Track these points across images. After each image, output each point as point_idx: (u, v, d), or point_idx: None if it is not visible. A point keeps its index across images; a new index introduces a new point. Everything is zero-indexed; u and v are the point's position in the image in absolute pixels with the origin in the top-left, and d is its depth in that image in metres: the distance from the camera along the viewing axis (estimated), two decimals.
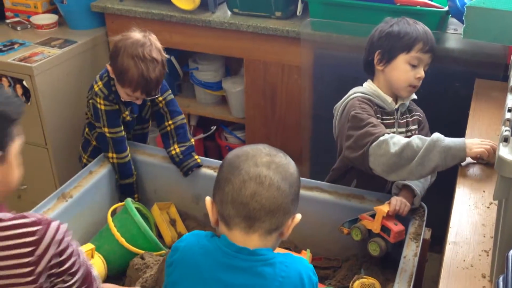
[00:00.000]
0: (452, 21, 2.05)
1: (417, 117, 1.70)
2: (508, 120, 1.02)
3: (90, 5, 2.44)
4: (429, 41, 1.58)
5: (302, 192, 1.66)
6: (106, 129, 1.81)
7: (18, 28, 2.52)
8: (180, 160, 1.85)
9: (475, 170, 1.45)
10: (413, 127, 1.68)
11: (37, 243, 0.99)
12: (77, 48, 2.39)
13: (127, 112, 1.85)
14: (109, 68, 1.76)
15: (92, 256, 1.63)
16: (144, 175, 1.93)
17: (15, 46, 2.37)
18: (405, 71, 1.59)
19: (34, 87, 2.23)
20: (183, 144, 1.87)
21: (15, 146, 1.04)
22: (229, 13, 2.28)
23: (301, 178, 1.67)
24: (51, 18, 2.55)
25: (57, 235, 1.01)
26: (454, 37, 1.99)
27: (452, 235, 1.24)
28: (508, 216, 0.97)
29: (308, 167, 2.35)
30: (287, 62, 2.22)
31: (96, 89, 1.80)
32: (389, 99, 1.63)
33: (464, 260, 1.17)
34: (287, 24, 2.17)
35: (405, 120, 1.67)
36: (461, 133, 1.53)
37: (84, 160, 1.99)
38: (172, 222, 1.90)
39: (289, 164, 1.07)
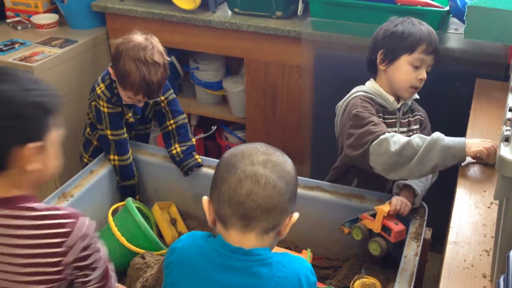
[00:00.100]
0: (453, 20, 2.04)
1: (419, 117, 1.70)
2: (509, 119, 1.02)
3: (90, 5, 2.44)
4: (432, 42, 1.57)
5: (303, 191, 1.68)
6: (108, 132, 1.81)
7: (19, 27, 2.52)
8: (180, 160, 1.85)
9: (475, 170, 1.45)
10: (415, 127, 1.68)
11: (67, 235, 1.03)
12: (78, 48, 2.39)
13: (130, 114, 1.85)
14: (110, 70, 1.75)
15: None
16: (145, 174, 1.93)
17: (16, 46, 2.37)
18: (407, 72, 1.59)
19: None
20: (184, 144, 1.87)
21: (53, 136, 1.08)
22: (229, 12, 2.28)
23: (301, 178, 1.70)
24: (52, 17, 2.56)
25: (85, 230, 1.06)
26: (455, 37, 1.99)
27: (452, 235, 1.24)
28: (508, 216, 0.97)
29: (309, 167, 2.35)
30: (288, 62, 2.22)
31: (99, 91, 1.79)
32: (391, 99, 1.63)
33: (464, 260, 1.17)
34: (287, 23, 2.17)
35: (407, 120, 1.67)
36: (462, 133, 1.53)
37: (85, 160, 1.99)
38: (173, 222, 1.90)
39: (286, 163, 1.07)
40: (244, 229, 1.02)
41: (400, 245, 1.48)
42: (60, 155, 1.12)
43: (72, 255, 1.05)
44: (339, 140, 1.69)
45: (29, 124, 1.04)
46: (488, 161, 1.45)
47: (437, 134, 1.40)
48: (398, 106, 1.65)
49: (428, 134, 1.62)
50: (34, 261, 1.02)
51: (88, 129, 1.97)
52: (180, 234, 1.87)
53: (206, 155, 2.23)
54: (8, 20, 2.59)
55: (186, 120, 1.94)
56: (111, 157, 1.83)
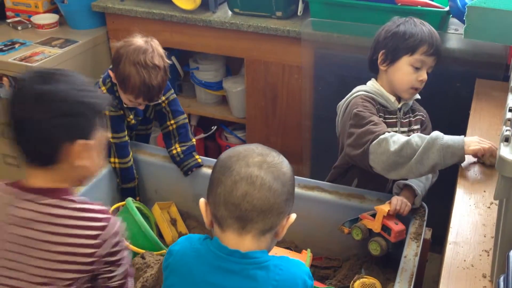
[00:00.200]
0: (453, 21, 2.05)
1: (420, 117, 1.70)
2: (509, 120, 1.02)
3: (90, 5, 2.44)
4: (434, 43, 1.57)
5: (303, 191, 1.68)
6: (109, 134, 1.81)
7: (19, 27, 2.52)
8: (180, 160, 1.85)
9: (475, 170, 1.45)
10: (415, 127, 1.68)
11: (102, 229, 1.10)
12: (78, 48, 2.40)
13: (131, 116, 1.85)
14: (111, 74, 1.75)
15: None
16: (145, 174, 1.93)
17: (16, 46, 2.37)
18: (407, 73, 1.59)
19: None
20: (184, 144, 1.87)
21: (99, 136, 1.15)
22: (229, 13, 2.28)
23: (301, 178, 1.71)
24: (52, 17, 2.56)
25: (117, 228, 1.13)
26: (455, 37, 1.99)
27: (452, 235, 1.24)
28: (508, 216, 0.97)
29: (309, 167, 2.35)
30: (288, 62, 2.22)
31: None
32: (392, 98, 1.63)
33: (464, 260, 1.17)
34: (287, 24, 2.17)
35: (407, 120, 1.67)
36: (461, 133, 1.52)
37: None
38: (173, 222, 1.90)
39: (282, 163, 1.06)
40: (241, 231, 1.02)
41: (400, 245, 1.48)
42: (103, 155, 1.19)
43: (104, 249, 1.10)
44: (340, 139, 1.70)
45: (81, 122, 1.10)
46: (485, 161, 1.45)
47: (436, 133, 1.40)
48: (399, 106, 1.65)
49: (429, 134, 1.62)
50: (71, 250, 1.07)
51: None
52: (180, 234, 1.87)
53: (206, 155, 2.23)
54: (8, 20, 2.59)
55: (187, 120, 1.94)
56: (112, 159, 1.83)
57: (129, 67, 1.67)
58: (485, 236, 1.23)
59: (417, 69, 1.58)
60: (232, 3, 2.24)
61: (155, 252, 1.67)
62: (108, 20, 2.48)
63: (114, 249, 1.12)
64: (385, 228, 1.49)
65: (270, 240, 1.06)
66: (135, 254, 1.66)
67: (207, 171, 1.83)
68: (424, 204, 1.57)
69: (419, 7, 1.92)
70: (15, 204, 1.10)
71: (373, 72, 1.69)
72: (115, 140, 1.81)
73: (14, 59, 2.25)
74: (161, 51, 1.74)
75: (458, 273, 1.14)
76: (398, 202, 1.49)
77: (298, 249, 1.72)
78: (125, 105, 1.79)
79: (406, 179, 1.56)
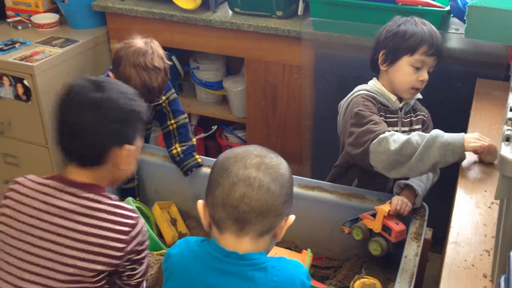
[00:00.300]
0: (454, 20, 2.04)
1: (422, 117, 1.70)
2: (510, 119, 1.02)
3: (91, 5, 2.44)
4: (434, 43, 1.57)
5: (303, 191, 1.68)
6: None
7: (19, 27, 2.52)
8: (180, 160, 1.85)
9: (476, 170, 1.45)
10: (417, 127, 1.68)
11: (132, 226, 1.16)
12: (78, 48, 2.39)
13: None
14: (111, 75, 1.75)
15: None
16: (145, 174, 1.93)
17: (16, 45, 2.37)
18: (408, 73, 1.58)
19: (35, 86, 2.23)
20: (185, 144, 1.87)
21: (138, 142, 1.24)
22: (230, 12, 2.28)
23: (301, 178, 1.70)
24: (52, 17, 2.56)
25: (143, 228, 1.19)
26: (456, 36, 1.99)
27: (453, 235, 1.24)
28: (509, 215, 0.96)
29: (309, 167, 2.35)
30: (288, 61, 2.22)
31: None
32: (393, 98, 1.63)
33: (465, 260, 1.16)
34: (288, 23, 2.17)
35: (409, 119, 1.67)
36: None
37: None
38: (173, 222, 1.90)
39: (280, 165, 1.06)
40: (239, 233, 1.02)
41: (400, 245, 1.48)
42: (137, 160, 1.28)
43: (133, 246, 1.16)
44: (341, 138, 1.69)
45: (129, 129, 1.20)
46: (483, 159, 1.45)
47: (436, 131, 1.40)
48: (400, 105, 1.65)
49: None
50: (103, 242, 1.13)
51: None
52: (180, 234, 1.87)
53: (207, 155, 2.23)
54: (9, 20, 2.59)
55: (187, 120, 1.94)
56: None
57: (129, 69, 1.66)
58: (485, 236, 1.22)
59: (417, 69, 1.58)
60: (233, 2, 2.23)
61: (155, 252, 1.66)
62: (108, 20, 2.47)
63: (140, 248, 1.18)
64: (385, 228, 1.49)
65: (268, 242, 1.06)
66: None
67: (207, 171, 1.82)
68: (425, 204, 1.56)
69: (419, 6, 1.92)
70: (56, 195, 1.16)
71: (375, 72, 1.69)
72: None
73: (14, 59, 2.25)
74: (161, 52, 1.74)
75: (458, 273, 1.13)
76: (399, 202, 1.49)
77: (298, 249, 1.72)
78: None
79: (407, 179, 1.55)
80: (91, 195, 1.17)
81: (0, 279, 1.15)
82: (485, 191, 1.36)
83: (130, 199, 1.75)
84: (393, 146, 1.41)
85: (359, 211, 1.57)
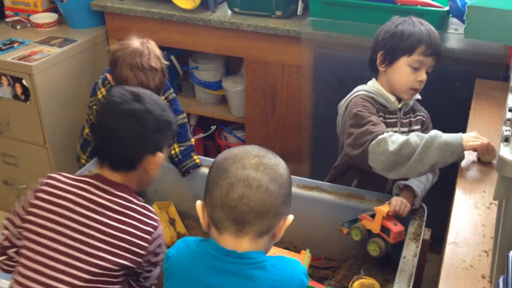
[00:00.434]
0: (453, 20, 2.04)
1: (421, 117, 1.70)
2: (508, 120, 1.02)
3: (90, 4, 2.44)
4: (432, 43, 1.56)
5: (302, 192, 1.68)
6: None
7: (18, 26, 2.52)
8: (179, 160, 1.84)
9: (475, 170, 1.45)
10: (416, 127, 1.67)
11: (155, 228, 1.23)
12: (77, 47, 2.39)
13: None
14: (109, 77, 1.75)
15: None
16: None
17: (15, 45, 2.37)
18: (406, 74, 1.58)
19: (33, 86, 2.22)
20: (183, 144, 1.87)
21: (165, 150, 1.33)
22: (229, 12, 2.27)
23: (300, 178, 1.70)
24: (51, 17, 2.55)
25: (162, 232, 1.26)
26: (455, 37, 1.99)
27: (452, 235, 1.24)
28: (508, 216, 0.96)
29: (308, 167, 2.35)
30: (288, 61, 2.22)
31: (100, 96, 1.79)
32: (392, 98, 1.63)
33: (464, 261, 1.16)
34: (287, 23, 2.17)
35: (408, 120, 1.67)
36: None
37: (83, 161, 1.98)
38: (172, 222, 1.89)
39: (279, 165, 1.06)
40: (238, 233, 1.02)
41: (399, 246, 1.48)
42: (160, 168, 1.35)
43: (153, 247, 1.22)
44: (340, 139, 1.69)
45: (162, 138, 1.29)
46: (481, 158, 1.45)
47: (434, 132, 1.40)
48: (399, 106, 1.65)
49: None
50: (129, 238, 1.19)
51: (87, 130, 1.96)
52: (179, 234, 1.87)
53: (206, 155, 2.23)
54: (7, 19, 2.58)
55: (186, 120, 1.94)
56: None
57: (126, 70, 1.66)
58: (484, 237, 1.22)
59: (415, 69, 1.58)
60: (232, 2, 2.23)
61: None
62: (107, 19, 2.47)
63: (159, 250, 1.24)
64: (384, 229, 1.49)
65: (267, 242, 1.06)
66: None
67: (206, 171, 1.82)
68: (424, 205, 1.56)
69: (419, 6, 1.92)
70: (91, 190, 1.23)
71: (374, 72, 1.69)
72: None
73: (13, 58, 2.24)
74: (158, 52, 1.73)
75: (457, 274, 1.13)
76: (398, 203, 1.49)
77: (297, 250, 1.72)
78: None
79: (406, 179, 1.55)
80: (123, 194, 1.24)
81: (29, 268, 1.19)
82: (484, 192, 1.36)
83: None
84: (392, 147, 1.41)
85: (358, 211, 1.57)
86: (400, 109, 1.65)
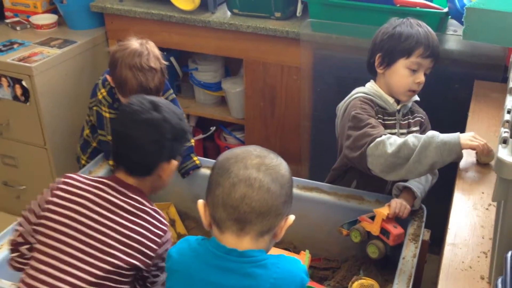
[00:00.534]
0: (452, 22, 2.05)
1: (419, 118, 1.70)
2: (507, 121, 1.02)
3: (89, 5, 2.44)
4: (430, 45, 1.57)
5: (301, 192, 1.68)
6: (109, 137, 1.81)
7: (18, 28, 2.52)
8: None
9: (474, 172, 1.45)
10: (414, 129, 1.68)
11: (165, 233, 1.28)
12: (77, 48, 2.39)
13: None
14: (109, 78, 1.75)
15: None
16: None
17: (15, 46, 2.37)
18: (404, 76, 1.58)
19: (33, 87, 2.23)
20: None
21: (178, 158, 1.38)
22: (228, 13, 2.28)
23: (300, 179, 1.71)
24: (51, 18, 2.55)
25: (170, 237, 1.31)
26: (454, 38, 2.00)
27: (451, 236, 1.24)
28: (507, 217, 0.97)
29: (308, 168, 2.35)
30: (287, 63, 2.22)
31: (100, 97, 1.79)
32: (391, 100, 1.63)
33: (463, 262, 1.17)
34: (286, 24, 2.17)
35: (406, 121, 1.67)
36: None
37: (83, 162, 1.99)
38: (172, 223, 1.90)
39: (280, 165, 1.07)
40: (239, 233, 1.03)
41: (398, 247, 1.48)
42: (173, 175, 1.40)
43: (161, 250, 1.26)
44: (339, 141, 1.70)
45: (177, 146, 1.34)
46: (479, 159, 1.45)
47: (432, 132, 1.41)
48: (398, 107, 1.65)
49: None
50: (141, 239, 1.24)
51: (87, 131, 1.96)
52: (179, 234, 1.87)
53: (205, 156, 2.23)
54: (7, 20, 2.58)
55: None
56: (111, 162, 1.83)
57: (125, 71, 1.66)
58: (483, 238, 1.23)
59: (414, 71, 1.58)
60: (231, 3, 2.24)
61: None
62: (107, 21, 2.47)
63: (165, 255, 1.22)
64: (384, 231, 1.49)
65: (268, 241, 1.07)
66: None
67: (206, 171, 1.83)
68: (423, 206, 1.57)
69: (417, 8, 1.92)
70: (108, 191, 1.27)
71: (372, 74, 1.69)
72: None
73: (13, 60, 2.24)
74: (157, 52, 1.73)
75: (456, 275, 1.14)
76: (398, 205, 1.49)
77: (296, 250, 1.72)
78: None
79: (406, 181, 1.56)
80: (137, 197, 1.29)
81: (42, 262, 1.22)
82: (483, 193, 1.37)
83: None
84: (390, 149, 1.41)
85: (357, 212, 1.58)
86: (398, 111, 1.65)
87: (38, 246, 1.24)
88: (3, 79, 2.27)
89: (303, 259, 1.59)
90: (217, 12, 2.31)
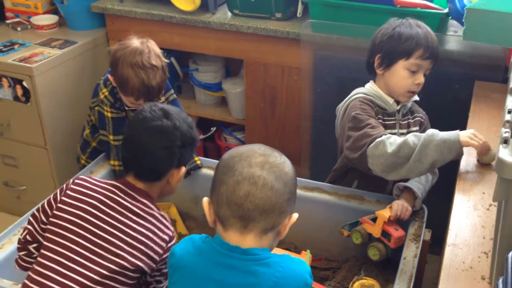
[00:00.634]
0: (452, 23, 2.05)
1: (419, 118, 1.71)
2: (507, 122, 1.02)
3: (90, 6, 2.44)
4: (429, 47, 1.57)
5: (302, 192, 1.68)
6: (111, 137, 1.81)
7: (19, 28, 2.52)
8: None
9: (474, 172, 1.45)
10: (414, 129, 1.68)
11: (171, 238, 1.30)
12: (77, 49, 2.39)
13: None
14: (110, 78, 1.75)
15: None
16: None
17: (15, 47, 2.37)
18: (404, 77, 1.58)
19: (34, 88, 2.23)
20: None
21: (186, 165, 1.40)
22: (229, 14, 2.28)
23: (301, 179, 1.70)
24: (52, 18, 2.55)
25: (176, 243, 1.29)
26: (454, 39, 2.00)
27: (451, 237, 1.24)
28: (507, 217, 0.97)
29: (308, 169, 2.35)
30: (287, 63, 2.22)
31: (102, 96, 1.79)
32: (391, 100, 1.64)
33: (463, 262, 1.17)
34: (287, 25, 2.17)
35: (406, 122, 1.67)
36: None
37: (83, 162, 1.99)
38: (172, 223, 1.90)
39: (284, 164, 1.08)
40: (243, 230, 1.03)
41: (399, 248, 1.48)
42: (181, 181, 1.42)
43: (166, 255, 1.26)
44: (339, 141, 1.70)
45: (187, 153, 1.36)
46: (481, 160, 1.46)
47: (431, 131, 1.41)
48: (398, 108, 1.65)
49: None
50: (148, 242, 1.26)
51: (87, 131, 1.96)
52: (179, 235, 1.87)
53: (206, 156, 2.23)
54: (8, 21, 2.59)
55: None
56: (112, 162, 1.83)
57: (127, 69, 1.66)
58: (484, 238, 1.23)
59: (413, 72, 1.58)
60: (232, 4, 2.24)
61: None
62: (107, 21, 2.48)
63: (166, 261, 1.23)
64: (385, 233, 1.49)
65: (272, 239, 1.07)
66: None
67: (207, 172, 1.83)
68: (424, 206, 1.57)
69: (418, 8, 1.92)
70: (118, 193, 1.29)
71: (371, 74, 1.69)
72: (116, 142, 1.81)
73: (14, 60, 2.25)
74: (158, 50, 1.73)
75: (457, 275, 1.14)
76: (399, 207, 1.49)
77: (297, 250, 1.72)
78: (127, 107, 1.79)
79: (406, 180, 1.56)
80: (147, 201, 1.31)
81: (50, 259, 1.23)
82: (483, 193, 1.37)
83: None
84: (390, 148, 1.41)
85: (358, 212, 1.58)
86: (398, 111, 1.66)
87: (46, 243, 1.26)
88: (4, 79, 2.27)
89: (304, 259, 1.59)
90: (218, 12, 2.31)
